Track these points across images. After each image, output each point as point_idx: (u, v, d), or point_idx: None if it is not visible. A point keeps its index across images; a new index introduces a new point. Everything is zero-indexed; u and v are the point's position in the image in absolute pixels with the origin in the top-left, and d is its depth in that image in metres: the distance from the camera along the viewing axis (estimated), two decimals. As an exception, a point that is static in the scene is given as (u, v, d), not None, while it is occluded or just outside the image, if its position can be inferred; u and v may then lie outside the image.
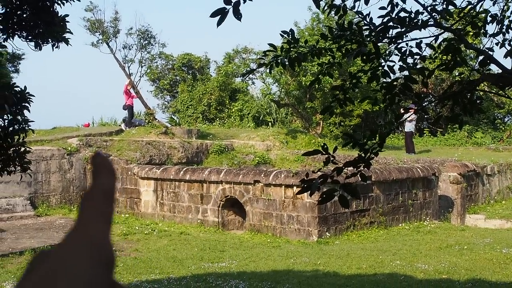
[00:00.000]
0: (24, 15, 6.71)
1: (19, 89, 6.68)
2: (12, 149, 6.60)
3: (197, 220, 16.83)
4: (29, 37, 6.83)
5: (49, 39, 6.86)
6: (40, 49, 6.88)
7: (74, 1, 6.83)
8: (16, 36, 6.83)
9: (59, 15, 6.80)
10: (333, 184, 4.54)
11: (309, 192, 4.46)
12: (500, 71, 4.93)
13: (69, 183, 19.35)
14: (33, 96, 6.70)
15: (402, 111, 5.78)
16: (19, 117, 6.65)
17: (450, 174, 18.94)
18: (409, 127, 24.30)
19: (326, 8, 5.54)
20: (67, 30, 6.92)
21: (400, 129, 31.80)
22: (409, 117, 22.67)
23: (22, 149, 6.67)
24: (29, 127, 6.81)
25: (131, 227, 16.39)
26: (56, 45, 6.96)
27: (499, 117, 33.51)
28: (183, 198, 17.28)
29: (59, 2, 6.71)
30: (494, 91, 10.26)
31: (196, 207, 16.94)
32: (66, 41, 6.98)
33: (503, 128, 32.49)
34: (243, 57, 40.73)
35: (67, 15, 6.87)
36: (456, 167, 19.20)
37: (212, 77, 39.10)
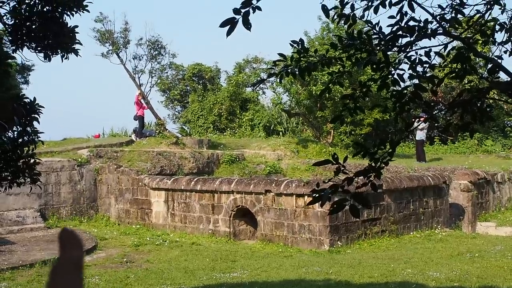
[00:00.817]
0: (33, 26, 6.74)
1: (29, 101, 6.69)
2: (22, 160, 6.60)
3: (208, 230, 16.83)
4: (38, 48, 6.86)
5: (58, 50, 6.88)
6: (49, 60, 6.91)
7: (83, 12, 6.87)
8: (25, 47, 6.86)
9: (68, 26, 6.84)
10: (344, 194, 4.54)
11: (320, 202, 4.46)
12: (509, 79, 4.92)
13: (79, 195, 19.41)
14: (43, 107, 6.71)
15: (414, 119, 5.78)
16: (28, 129, 6.66)
17: (461, 182, 18.87)
18: (420, 135, 24.26)
19: (335, 17, 5.56)
20: (77, 41, 6.95)
21: (411, 137, 31.73)
22: (420, 125, 22.66)
23: (32, 160, 6.67)
24: (39, 139, 6.81)
25: (142, 238, 16.41)
26: (65, 56, 6.99)
27: (509, 125, 33.36)
28: (194, 208, 17.29)
29: (68, 13, 6.75)
30: (503, 99, 10.24)
31: (207, 217, 16.95)
32: (76, 52, 7.01)
33: (513, 136, 32.32)
34: (253, 66, 40.80)
35: (76, 26, 6.91)
36: (467, 175, 19.13)
37: (223, 87, 39.17)
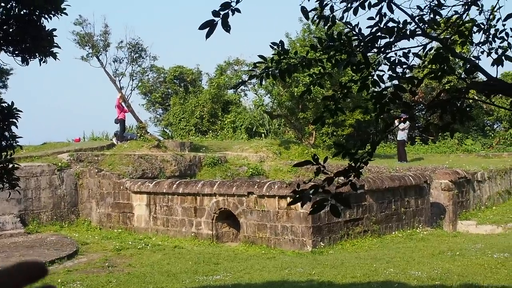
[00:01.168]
0: (10, 30, 6.66)
1: (6, 105, 6.61)
2: (0, 166, 6.54)
3: (191, 233, 16.79)
4: (16, 52, 6.78)
5: (37, 54, 6.82)
6: (27, 64, 6.84)
7: (61, 15, 6.81)
8: (3, 51, 6.78)
9: (46, 29, 6.77)
10: (324, 194, 4.56)
11: (301, 203, 4.47)
12: (486, 79, 4.96)
13: (60, 199, 19.26)
14: (21, 111, 6.64)
15: (396, 121, 5.82)
16: (6, 133, 6.59)
17: (442, 181, 19.02)
18: (402, 135, 24.41)
19: (315, 19, 5.57)
20: (55, 44, 6.88)
21: (392, 137, 31.93)
22: (401, 125, 22.76)
23: (10, 165, 6.61)
24: (17, 143, 6.74)
25: (124, 242, 16.32)
26: (43, 60, 6.92)
27: (489, 124, 33.73)
28: (176, 211, 17.24)
29: (46, 16, 6.69)
30: (483, 99, 10.33)
31: (190, 220, 16.91)
32: (54, 56, 6.95)
33: (492, 135, 32.69)
34: (235, 68, 40.85)
35: (54, 29, 6.84)
36: (447, 174, 19.28)
37: (204, 89, 39.15)
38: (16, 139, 6.70)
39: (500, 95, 5.34)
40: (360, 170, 4.82)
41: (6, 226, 17.58)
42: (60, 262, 13.69)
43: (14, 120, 6.62)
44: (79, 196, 19.71)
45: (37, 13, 6.69)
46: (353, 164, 4.75)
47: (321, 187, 4.58)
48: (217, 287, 10.76)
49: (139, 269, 13.00)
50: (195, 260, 13.65)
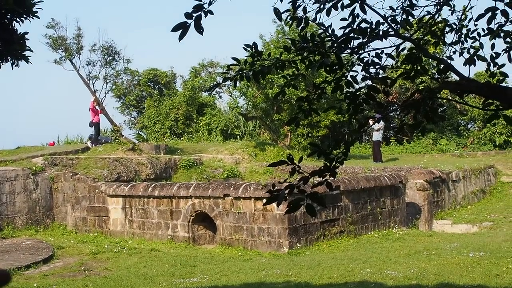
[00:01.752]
0: (-18, 34, 6.60)
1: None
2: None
3: (167, 236, 16.72)
4: (-13, 56, 6.72)
5: (8, 57, 6.75)
6: (-1, 67, 6.78)
7: (33, 19, 6.75)
8: (-26, 55, 6.71)
9: (18, 32, 6.71)
10: (300, 194, 4.57)
11: (276, 202, 4.48)
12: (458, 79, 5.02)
13: (35, 204, 19.07)
14: (-7, 115, 6.58)
15: (370, 121, 5.85)
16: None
17: (417, 181, 19.18)
18: (377, 136, 24.58)
19: (288, 20, 5.59)
20: (27, 47, 6.82)
21: (367, 138, 32.14)
22: (376, 126, 22.90)
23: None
24: (-9, 148, 6.67)
25: (100, 245, 16.19)
26: (15, 64, 6.86)
27: (463, 124, 34.07)
28: (152, 214, 17.16)
29: (17, 19, 6.62)
30: (456, 99, 10.44)
31: (166, 223, 16.84)
32: (26, 59, 6.89)
33: (466, 135, 33.02)
34: (209, 71, 40.75)
35: (26, 33, 6.79)
36: (422, 174, 19.45)
37: (179, 91, 38.99)
38: (-11, 144, 6.62)
39: (473, 95, 5.40)
40: (335, 170, 4.84)
41: (-21, 231, 17.33)
42: (36, 267, 13.55)
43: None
44: (54, 200, 19.53)
45: (8, 16, 6.62)
46: (328, 164, 4.77)
47: (296, 187, 4.59)
48: (194, 289, 10.72)
49: (115, 272, 12.91)
50: (172, 263, 13.60)
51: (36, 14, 6.77)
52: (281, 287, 10.54)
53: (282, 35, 27.57)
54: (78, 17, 44.32)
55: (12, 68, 6.88)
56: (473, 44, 5.81)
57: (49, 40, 30.84)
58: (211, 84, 33.60)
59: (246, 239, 15.33)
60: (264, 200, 14.54)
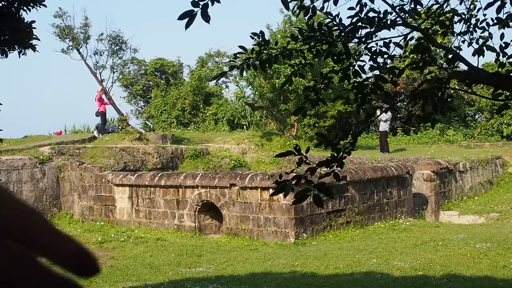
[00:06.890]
0: (-12, 22, 6.60)
1: (-15, 98, 6.56)
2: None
3: (173, 225, 16.74)
4: (-6, 44, 6.72)
5: (16, 46, 6.75)
6: (6, 56, 6.77)
7: (40, 7, 6.74)
8: (-19, 43, 6.71)
9: (25, 21, 6.70)
10: (307, 184, 4.55)
11: (283, 193, 4.46)
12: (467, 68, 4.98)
13: (42, 193, 19.11)
14: (1, 104, 6.59)
15: (378, 111, 5.82)
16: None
17: (424, 172, 19.12)
18: (384, 126, 24.49)
19: (295, 9, 5.55)
20: (34, 36, 6.82)
21: (374, 129, 32.06)
22: (383, 116, 22.83)
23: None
24: (-2, 137, 6.68)
25: (106, 234, 16.24)
26: (22, 52, 6.86)
27: (470, 114, 33.93)
28: (159, 204, 17.18)
29: (25, 8, 6.61)
30: (463, 89, 10.39)
31: (172, 212, 16.86)
32: (33, 48, 6.89)
33: (474, 125, 32.90)
34: (216, 60, 40.68)
35: (33, 21, 6.78)
36: (429, 165, 19.39)
37: (186, 81, 39.00)
38: (-3, 132, 6.65)
39: (481, 85, 5.36)
40: (343, 161, 4.81)
41: (-14, 220, 17.38)
42: (42, 256, 13.60)
43: (-6, 113, 6.57)
44: (61, 189, 19.57)
45: (15, 5, 6.62)
46: (335, 155, 4.75)
47: (303, 177, 4.57)
48: (200, 279, 10.74)
49: (121, 261, 12.95)
50: (178, 252, 13.62)
51: (43, 3, 6.76)
52: (287, 277, 10.54)
53: (289, 25, 27.48)
54: (85, 7, 44.18)
55: (19, 57, 6.88)
56: (482, 34, 5.77)
57: (56, 30, 30.89)
58: (217, 73, 33.57)
59: (252, 229, 15.33)
60: (271, 190, 14.52)
